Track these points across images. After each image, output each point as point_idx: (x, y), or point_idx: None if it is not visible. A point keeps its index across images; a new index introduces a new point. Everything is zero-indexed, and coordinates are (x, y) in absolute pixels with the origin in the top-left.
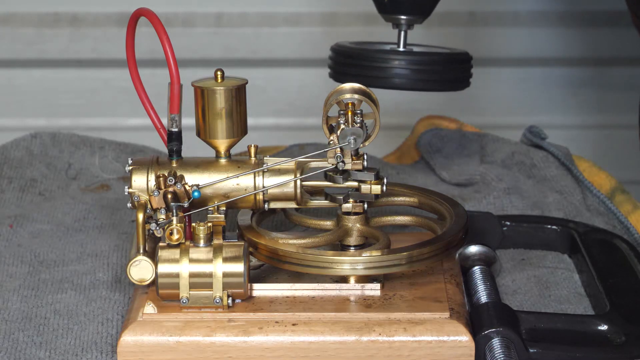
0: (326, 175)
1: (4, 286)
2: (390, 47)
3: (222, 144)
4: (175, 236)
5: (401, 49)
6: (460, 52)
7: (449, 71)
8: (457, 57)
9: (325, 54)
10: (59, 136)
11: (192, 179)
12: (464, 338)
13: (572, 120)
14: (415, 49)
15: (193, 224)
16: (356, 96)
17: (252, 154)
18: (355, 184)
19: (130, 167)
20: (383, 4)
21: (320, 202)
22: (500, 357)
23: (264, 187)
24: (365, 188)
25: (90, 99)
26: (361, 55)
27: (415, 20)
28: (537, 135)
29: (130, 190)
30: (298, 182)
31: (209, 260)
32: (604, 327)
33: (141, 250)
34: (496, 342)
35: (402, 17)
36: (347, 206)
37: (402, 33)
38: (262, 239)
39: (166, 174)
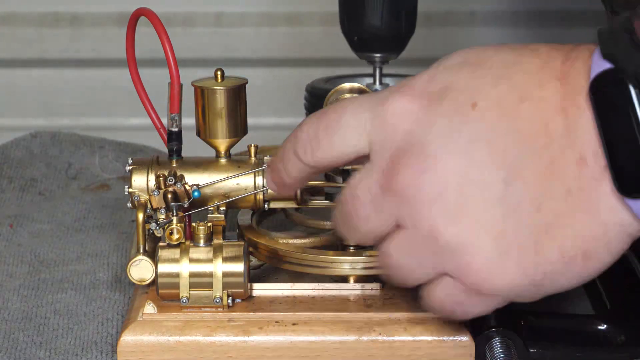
0: (326, 175)
1: (4, 286)
2: (367, 83)
3: (222, 143)
4: (175, 236)
5: (377, 86)
6: None
7: None
8: None
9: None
10: (59, 136)
11: (192, 178)
12: (464, 338)
13: None
14: (392, 83)
15: (193, 224)
16: (356, 96)
17: (252, 154)
18: None
19: (130, 167)
20: (353, 42)
21: (320, 202)
22: (500, 357)
23: (264, 186)
24: None
25: (90, 99)
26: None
27: (389, 56)
28: None
29: (130, 190)
30: None
31: (209, 260)
32: (604, 327)
33: (141, 250)
34: (496, 342)
35: (375, 54)
36: None
37: (377, 70)
38: (262, 239)
39: (166, 174)
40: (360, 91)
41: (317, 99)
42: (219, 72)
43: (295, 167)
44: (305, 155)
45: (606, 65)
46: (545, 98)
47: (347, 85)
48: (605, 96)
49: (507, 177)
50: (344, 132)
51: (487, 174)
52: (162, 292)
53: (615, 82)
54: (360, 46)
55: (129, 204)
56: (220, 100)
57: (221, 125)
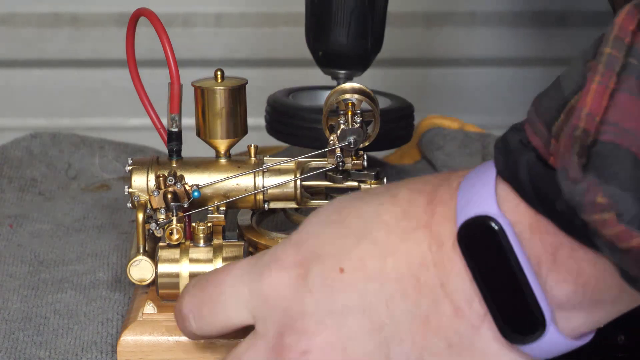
0: (326, 175)
1: (4, 286)
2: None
3: (222, 144)
4: (175, 236)
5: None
6: (401, 105)
7: (387, 131)
8: (395, 113)
9: None
10: (59, 136)
11: (192, 179)
12: None
13: None
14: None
15: (193, 224)
16: (356, 96)
17: (252, 154)
18: (355, 183)
19: (130, 167)
20: (318, 58)
21: (320, 202)
22: None
23: (264, 187)
24: (365, 188)
25: (90, 99)
26: (295, 114)
27: (353, 73)
28: None
29: (130, 190)
30: (298, 182)
31: (209, 260)
32: (604, 327)
33: (141, 250)
34: None
35: (339, 71)
36: None
37: None
38: (262, 239)
39: (166, 174)
40: (361, 92)
41: (278, 112)
42: (218, 72)
43: (185, 332)
44: (191, 327)
45: (471, 212)
46: (409, 251)
47: (348, 85)
48: (475, 244)
49: (387, 341)
50: (225, 308)
51: (366, 344)
52: (162, 292)
53: (484, 230)
54: (325, 62)
55: (129, 204)
56: (220, 100)
57: (221, 126)
